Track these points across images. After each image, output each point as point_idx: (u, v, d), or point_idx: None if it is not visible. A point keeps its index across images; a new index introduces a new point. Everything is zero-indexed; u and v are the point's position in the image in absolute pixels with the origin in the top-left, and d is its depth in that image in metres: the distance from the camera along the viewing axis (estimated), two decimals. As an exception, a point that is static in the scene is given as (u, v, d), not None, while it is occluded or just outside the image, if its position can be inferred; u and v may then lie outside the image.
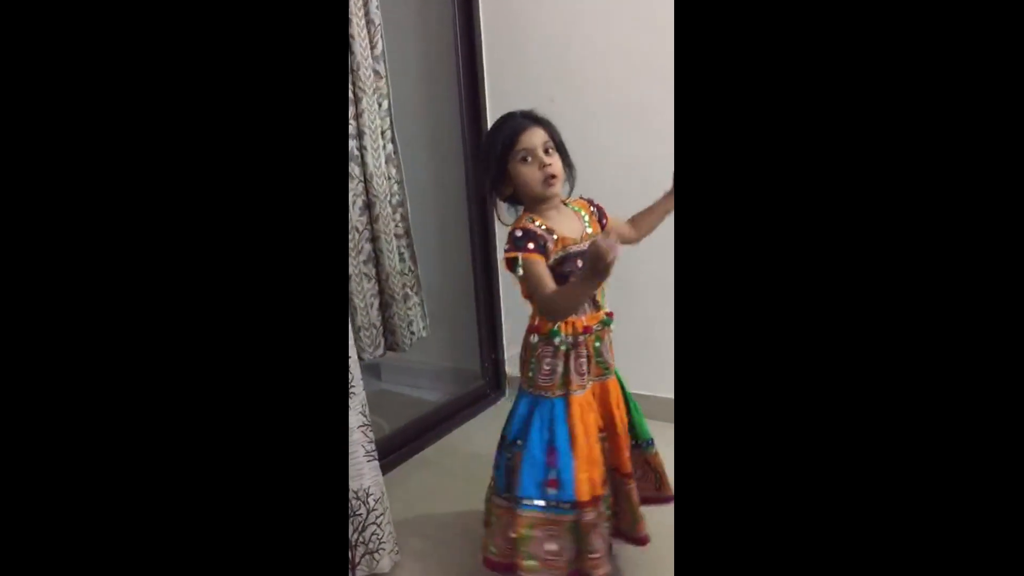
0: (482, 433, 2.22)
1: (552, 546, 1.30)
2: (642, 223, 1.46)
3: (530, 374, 1.35)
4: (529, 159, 1.29)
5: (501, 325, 2.42)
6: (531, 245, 1.25)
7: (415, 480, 1.93)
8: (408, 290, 2.01)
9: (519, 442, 1.34)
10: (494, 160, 1.31)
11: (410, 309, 2.04)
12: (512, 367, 2.43)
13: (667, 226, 2.03)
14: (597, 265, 1.06)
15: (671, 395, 2.17)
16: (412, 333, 2.10)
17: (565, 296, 1.24)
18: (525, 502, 1.31)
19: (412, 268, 2.01)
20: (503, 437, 1.40)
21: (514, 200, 1.36)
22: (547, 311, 1.28)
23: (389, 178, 1.92)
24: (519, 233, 1.26)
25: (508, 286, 2.39)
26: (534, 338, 1.35)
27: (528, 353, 1.35)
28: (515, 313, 2.39)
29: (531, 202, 1.33)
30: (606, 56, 2.04)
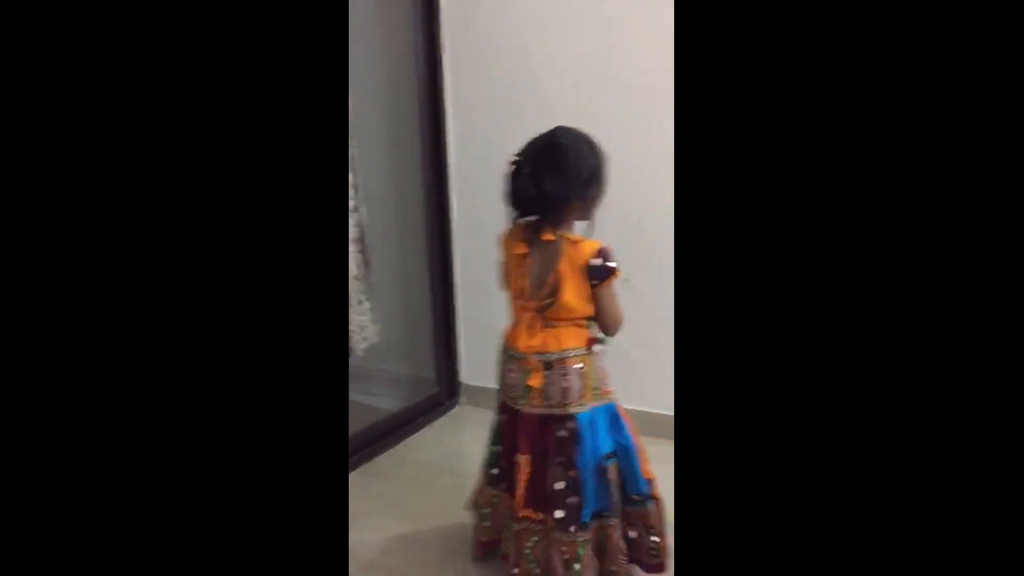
0: (436, 442, 2.21)
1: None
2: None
3: (595, 385, 1.37)
4: None
5: (457, 332, 2.41)
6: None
7: (365, 490, 1.90)
8: (360, 295, 2.00)
9: (608, 455, 1.38)
10: (605, 176, 1.35)
11: (362, 315, 2.03)
12: (468, 375, 2.42)
13: (622, 236, 2.06)
14: None
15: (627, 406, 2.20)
16: (365, 339, 2.08)
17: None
18: (635, 498, 1.39)
19: (365, 274, 2.00)
20: (583, 463, 1.35)
21: (559, 214, 1.34)
22: (617, 330, 1.39)
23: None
24: (608, 252, 1.32)
25: (465, 293, 2.38)
26: (597, 348, 1.39)
27: (590, 365, 1.37)
28: (471, 320, 2.39)
29: (576, 221, 1.38)
30: (566, 68, 2.06)
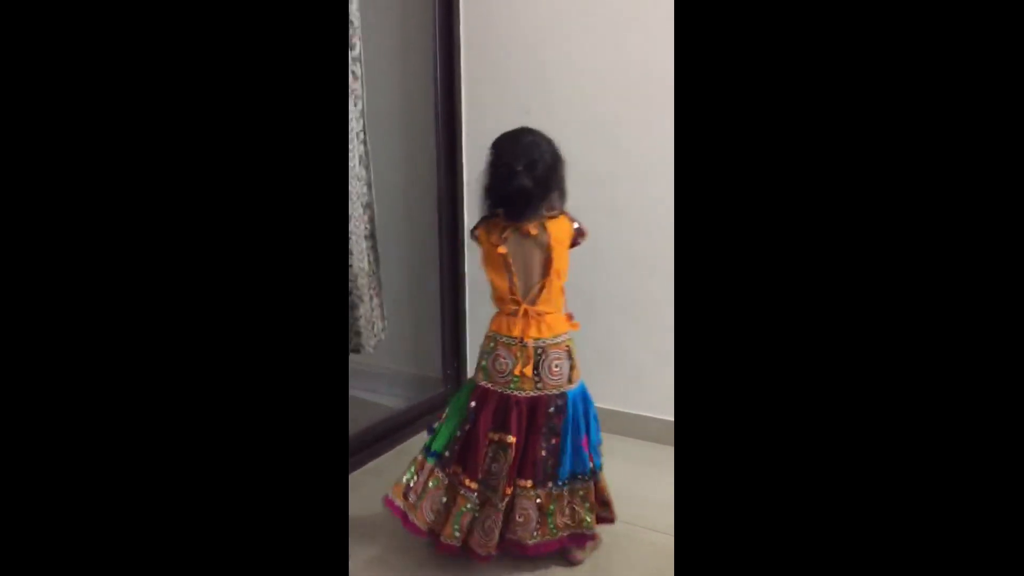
0: (439, 441, 2.20)
1: None
2: None
3: (576, 364, 1.50)
4: None
5: (465, 332, 2.41)
6: None
7: (368, 487, 1.90)
8: (371, 291, 2.00)
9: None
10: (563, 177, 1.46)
11: (372, 311, 2.03)
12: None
13: (627, 240, 2.05)
14: None
15: (632, 411, 2.19)
16: (375, 335, 2.08)
17: None
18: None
19: (375, 270, 2.00)
20: (564, 432, 1.47)
21: (537, 207, 1.44)
22: None
23: (359, 179, 1.91)
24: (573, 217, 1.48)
25: (474, 292, 2.38)
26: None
27: (573, 346, 1.52)
28: (479, 320, 2.38)
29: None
30: (581, 72, 2.06)
